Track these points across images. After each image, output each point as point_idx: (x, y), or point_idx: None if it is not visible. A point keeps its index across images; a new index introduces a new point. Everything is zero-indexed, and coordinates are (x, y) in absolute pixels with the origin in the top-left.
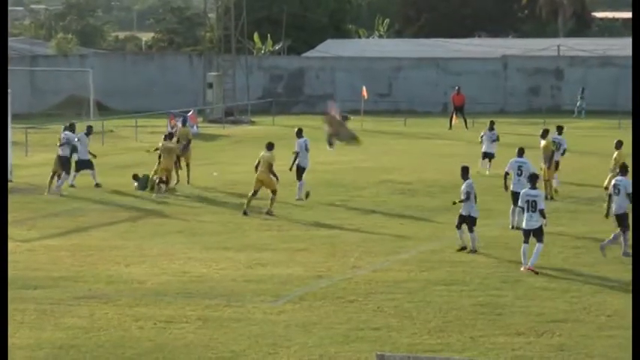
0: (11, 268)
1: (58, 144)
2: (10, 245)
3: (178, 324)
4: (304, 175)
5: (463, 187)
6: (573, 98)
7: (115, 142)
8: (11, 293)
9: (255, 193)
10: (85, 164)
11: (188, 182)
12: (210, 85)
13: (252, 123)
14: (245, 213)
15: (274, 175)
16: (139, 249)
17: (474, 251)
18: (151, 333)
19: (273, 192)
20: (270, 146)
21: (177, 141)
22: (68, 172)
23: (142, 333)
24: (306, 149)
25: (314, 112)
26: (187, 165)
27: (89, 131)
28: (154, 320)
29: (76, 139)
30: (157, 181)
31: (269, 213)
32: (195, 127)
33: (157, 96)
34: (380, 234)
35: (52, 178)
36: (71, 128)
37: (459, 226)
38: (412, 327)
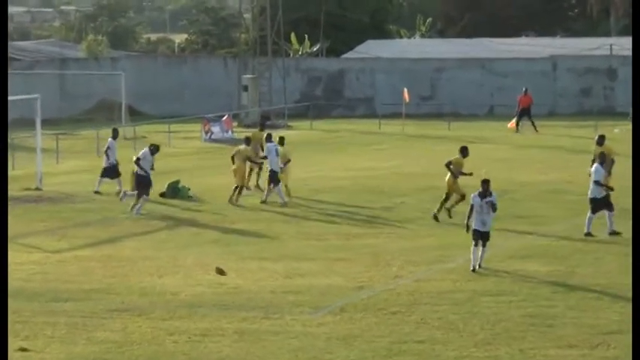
0: (41, 280)
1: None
2: (40, 256)
3: (214, 337)
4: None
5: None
6: (627, 99)
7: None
8: (41, 306)
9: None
10: (113, 171)
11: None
12: (246, 88)
13: (289, 127)
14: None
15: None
16: (173, 259)
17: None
18: (186, 347)
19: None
20: (246, 141)
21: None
22: (141, 192)
23: (176, 347)
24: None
25: (354, 116)
26: (285, 186)
27: (116, 135)
28: (189, 334)
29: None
30: (234, 188)
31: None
32: (229, 131)
33: (191, 100)
34: (423, 242)
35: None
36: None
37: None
38: (458, 340)
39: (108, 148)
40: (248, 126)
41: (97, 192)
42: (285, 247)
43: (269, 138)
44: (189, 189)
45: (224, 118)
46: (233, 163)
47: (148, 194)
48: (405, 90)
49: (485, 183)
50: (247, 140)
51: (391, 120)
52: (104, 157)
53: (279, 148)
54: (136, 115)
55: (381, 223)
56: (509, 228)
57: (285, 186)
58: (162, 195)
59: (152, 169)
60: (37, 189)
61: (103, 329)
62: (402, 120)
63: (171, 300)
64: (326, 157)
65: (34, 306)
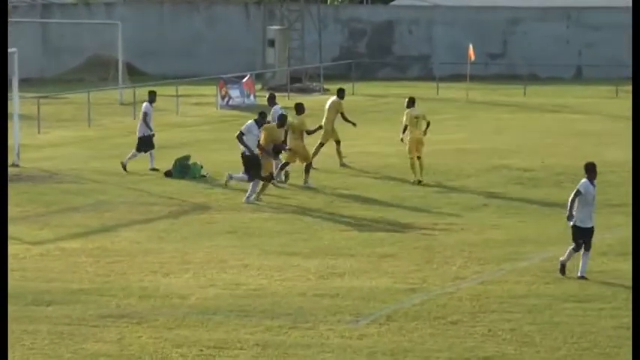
0: (19, 278)
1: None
2: (18, 248)
3: (231, 351)
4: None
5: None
6: None
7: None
8: (19, 310)
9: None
10: (149, 143)
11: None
12: (272, 43)
13: (326, 91)
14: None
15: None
16: (181, 254)
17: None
18: None
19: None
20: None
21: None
22: (253, 175)
23: None
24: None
25: (405, 78)
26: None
27: (153, 98)
28: (200, 346)
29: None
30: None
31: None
32: (251, 96)
33: (204, 57)
34: (490, 235)
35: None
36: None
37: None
38: (534, 356)
39: (145, 114)
40: (273, 89)
41: (124, 169)
42: (319, 239)
43: (272, 100)
44: (201, 167)
45: (245, 79)
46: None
47: (260, 177)
48: (471, 46)
49: (593, 166)
50: (262, 116)
51: (452, 83)
52: (140, 125)
53: (291, 119)
54: (136, 74)
55: (437, 210)
56: (600, 219)
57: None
58: (167, 174)
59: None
60: (14, 165)
61: (94, 340)
62: (466, 83)
63: (179, 304)
64: (370, 128)
65: (11, 310)
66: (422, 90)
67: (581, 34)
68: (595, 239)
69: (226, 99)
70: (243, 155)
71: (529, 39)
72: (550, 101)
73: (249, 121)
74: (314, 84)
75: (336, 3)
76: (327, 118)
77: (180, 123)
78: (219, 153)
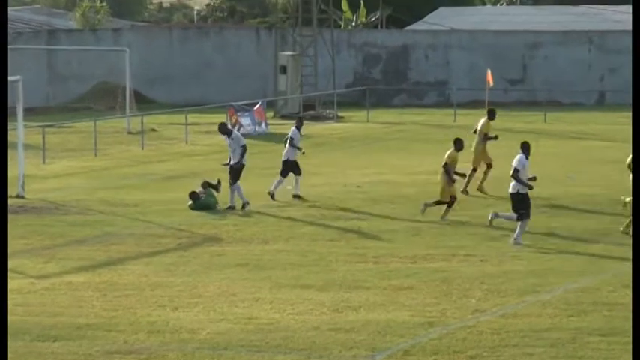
0: (24, 313)
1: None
2: (22, 282)
3: None
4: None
5: None
6: None
7: (158, 146)
8: (25, 346)
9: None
10: (295, 167)
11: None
12: (284, 69)
13: (340, 119)
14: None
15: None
16: (190, 287)
17: None
18: None
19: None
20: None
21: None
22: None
23: None
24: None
25: (422, 105)
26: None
27: (300, 124)
28: None
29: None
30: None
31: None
32: (263, 124)
33: (213, 84)
34: (510, 267)
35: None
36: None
37: None
38: None
39: (292, 139)
40: (285, 117)
41: (296, 196)
42: (333, 271)
43: (300, 123)
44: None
45: (256, 107)
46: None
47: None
48: (489, 71)
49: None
50: (300, 122)
51: (470, 110)
52: (287, 149)
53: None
54: (143, 102)
55: (456, 241)
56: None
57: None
58: (192, 195)
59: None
60: (19, 197)
61: None
62: (485, 110)
63: (188, 339)
64: (386, 157)
65: (16, 346)
66: (439, 117)
67: (604, 58)
68: (618, 270)
69: (237, 127)
70: (284, 161)
71: (550, 64)
72: (572, 128)
73: (292, 128)
74: (327, 111)
75: (350, 28)
76: (477, 142)
77: (190, 152)
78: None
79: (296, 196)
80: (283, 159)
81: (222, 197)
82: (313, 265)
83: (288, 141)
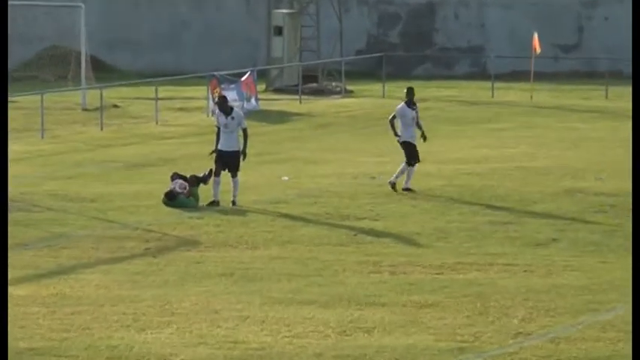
0: None
1: None
2: None
3: None
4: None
5: None
6: None
7: (121, 126)
8: None
9: None
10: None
11: None
12: (279, 31)
13: (349, 94)
14: None
15: None
16: (162, 303)
17: None
18: None
19: None
20: None
21: None
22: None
23: None
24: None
25: (451, 76)
26: None
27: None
28: None
29: None
30: None
31: None
32: (252, 99)
33: (191, 49)
34: (563, 279)
35: None
36: None
37: None
38: None
39: (394, 117)
40: (280, 90)
41: (407, 189)
42: (340, 284)
43: (409, 98)
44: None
45: (244, 77)
46: None
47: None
48: (535, 35)
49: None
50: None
51: (511, 83)
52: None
53: None
54: (103, 71)
55: (493, 247)
56: None
57: None
58: (168, 198)
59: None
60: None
61: None
62: (530, 83)
63: None
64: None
65: None
66: (472, 91)
67: None
68: None
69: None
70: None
71: (611, 26)
72: None
73: (400, 104)
74: (333, 84)
75: None
76: None
77: (161, 134)
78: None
79: (407, 189)
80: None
81: (208, 193)
82: (315, 275)
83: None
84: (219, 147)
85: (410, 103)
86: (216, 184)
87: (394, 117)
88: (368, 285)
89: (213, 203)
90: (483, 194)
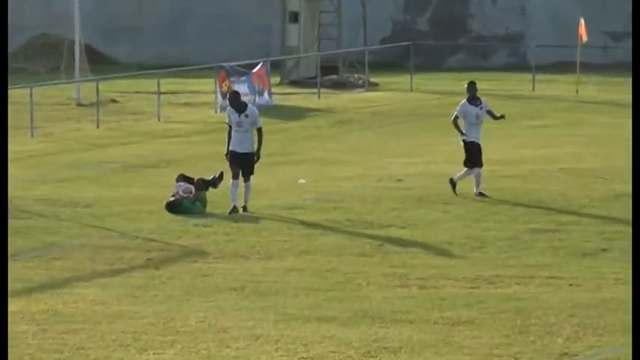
0: None
1: None
2: None
3: None
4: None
5: None
6: None
7: (120, 123)
8: None
9: None
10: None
11: None
12: (295, 18)
13: (373, 87)
14: None
15: None
16: (165, 320)
17: None
18: None
19: None
20: None
21: None
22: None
23: None
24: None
25: (487, 67)
26: None
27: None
28: None
29: None
30: None
31: None
32: (265, 94)
33: (197, 38)
34: (614, 293)
35: None
36: None
37: None
38: None
39: (456, 117)
40: (296, 83)
41: (480, 194)
42: (363, 299)
43: (471, 94)
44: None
45: (256, 69)
46: None
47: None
48: (582, 21)
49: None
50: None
51: (555, 75)
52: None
53: None
54: (100, 62)
55: (534, 258)
56: None
57: None
58: (169, 206)
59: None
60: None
61: None
62: (576, 75)
63: None
64: (437, 139)
65: None
66: (511, 84)
67: None
68: None
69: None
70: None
71: None
72: None
73: (462, 101)
74: (355, 76)
75: None
76: None
77: (163, 132)
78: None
79: (480, 194)
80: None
81: (216, 197)
82: (336, 289)
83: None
84: (232, 148)
85: (472, 99)
86: (235, 188)
87: (456, 117)
88: (394, 300)
89: (234, 210)
90: (524, 199)
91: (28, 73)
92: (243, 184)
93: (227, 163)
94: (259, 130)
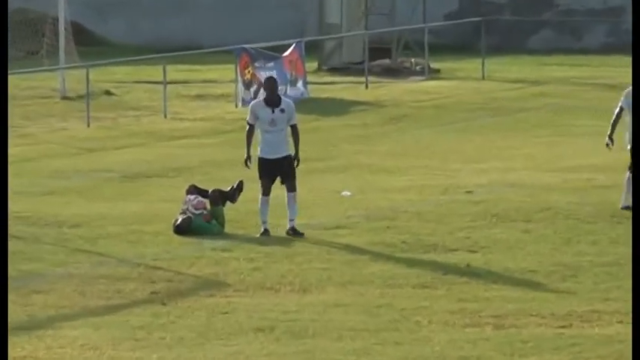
0: None
1: None
2: None
3: None
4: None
5: None
6: None
7: (116, 120)
8: None
9: None
10: None
11: None
12: None
13: (435, 74)
14: None
15: None
16: None
17: None
18: None
19: None
20: None
21: None
22: None
23: None
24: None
25: (580, 49)
26: None
27: None
28: None
29: None
30: None
31: None
32: (300, 83)
33: (209, 14)
34: None
35: None
36: None
37: None
38: None
39: (620, 110)
40: (337, 70)
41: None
42: (425, 341)
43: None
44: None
45: (287, 52)
46: None
47: None
48: None
49: None
50: None
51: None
52: None
53: None
54: (90, 44)
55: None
56: None
57: None
58: (179, 229)
59: None
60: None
61: None
62: None
63: None
64: (516, 140)
65: None
66: (609, 70)
67: None
68: None
69: (253, 89)
70: None
71: None
72: None
73: (628, 88)
74: (412, 61)
75: None
76: None
77: (170, 132)
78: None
79: (626, 208)
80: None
81: (236, 214)
82: (390, 329)
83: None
84: (263, 154)
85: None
86: (266, 206)
87: (621, 109)
88: (463, 343)
89: (266, 233)
90: (628, 215)
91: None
92: (286, 194)
93: (249, 171)
94: (294, 128)
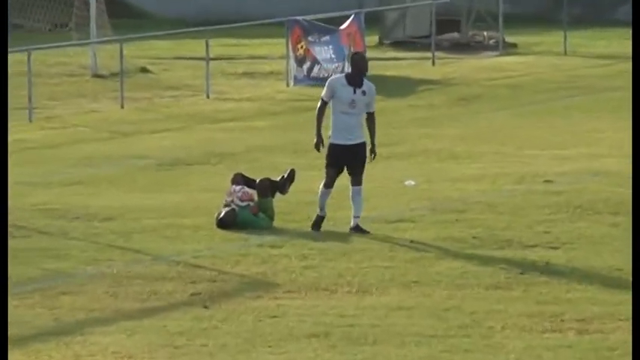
0: None
1: None
2: None
3: None
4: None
5: None
6: None
7: (153, 101)
8: None
9: None
10: None
11: None
12: None
13: (510, 49)
14: None
15: None
16: None
17: None
18: None
19: None
20: None
21: None
22: None
23: None
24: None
25: None
26: None
27: None
28: None
29: None
30: None
31: None
32: None
33: None
34: None
35: None
36: None
37: None
38: None
39: None
40: (400, 44)
41: None
42: (499, 348)
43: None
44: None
45: (344, 25)
46: None
47: None
48: None
49: None
50: None
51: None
52: None
53: None
54: (125, 16)
55: None
56: None
57: None
58: (222, 223)
59: None
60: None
61: None
62: None
63: None
64: (602, 123)
65: None
66: None
67: None
68: None
69: (307, 65)
70: None
71: None
72: None
73: None
74: (485, 34)
75: None
76: None
77: (214, 113)
78: (301, 174)
79: None
80: None
81: (288, 206)
82: (459, 335)
83: None
84: (335, 140)
85: None
86: (326, 195)
87: None
88: (542, 350)
89: (318, 223)
90: None
91: (26, 32)
92: (350, 189)
93: (301, 159)
94: (371, 116)
